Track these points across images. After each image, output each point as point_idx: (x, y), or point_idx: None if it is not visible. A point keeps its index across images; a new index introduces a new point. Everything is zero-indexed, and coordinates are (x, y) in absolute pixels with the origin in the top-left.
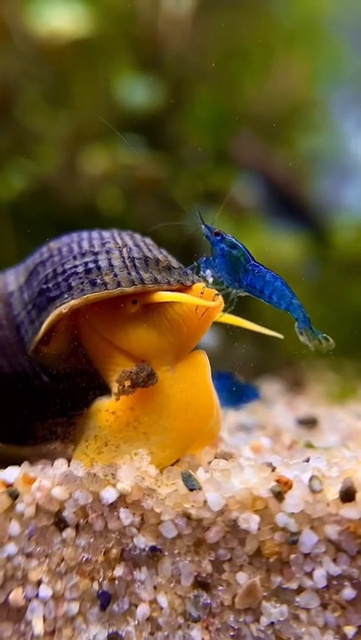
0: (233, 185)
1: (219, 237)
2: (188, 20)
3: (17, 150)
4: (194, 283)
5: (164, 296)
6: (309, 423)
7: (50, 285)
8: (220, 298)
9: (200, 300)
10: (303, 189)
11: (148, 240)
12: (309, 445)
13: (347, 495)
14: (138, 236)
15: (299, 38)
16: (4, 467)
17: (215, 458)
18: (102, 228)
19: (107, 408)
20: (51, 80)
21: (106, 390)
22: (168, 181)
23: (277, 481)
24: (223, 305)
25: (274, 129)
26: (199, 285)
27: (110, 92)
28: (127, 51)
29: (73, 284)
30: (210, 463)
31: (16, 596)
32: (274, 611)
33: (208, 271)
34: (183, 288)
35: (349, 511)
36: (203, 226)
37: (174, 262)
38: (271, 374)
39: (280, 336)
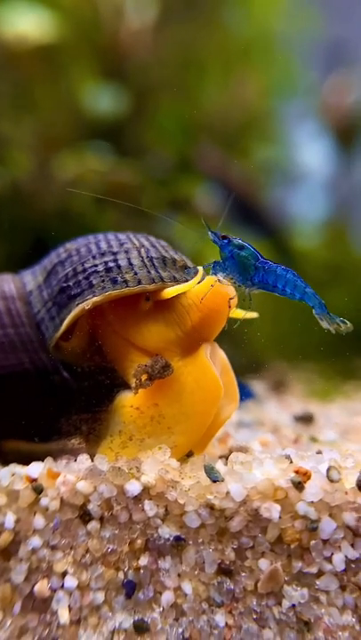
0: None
1: (226, 241)
2: (149, 31)
3: None
4: None
5: (170, 292)
6: (306, 419)
7: (70, 283)
8: (232, 288)
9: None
10: (260, 198)
11: (163, 242)
12: (314, 439)
13: None
14: (153, 238)
15: (253, 52)
16: (28, 462)
17: (230, 452)
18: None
19: (130, 404)
20: (15, 84)
21: (127, 387)
22: (137, 188)
23: (296, 472)
24: (235, 299)
25: (231, 138)
26: (211, 278)
27: (74, 99)
28: (91, 59)
29: (94, 281)
30: (226, 457)
31: (41, 587)
32: (295, 594)
33: (219, 274)
34: None
35: None
36: (209, 232)
37: (189, 262)
38: (252, 375)
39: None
